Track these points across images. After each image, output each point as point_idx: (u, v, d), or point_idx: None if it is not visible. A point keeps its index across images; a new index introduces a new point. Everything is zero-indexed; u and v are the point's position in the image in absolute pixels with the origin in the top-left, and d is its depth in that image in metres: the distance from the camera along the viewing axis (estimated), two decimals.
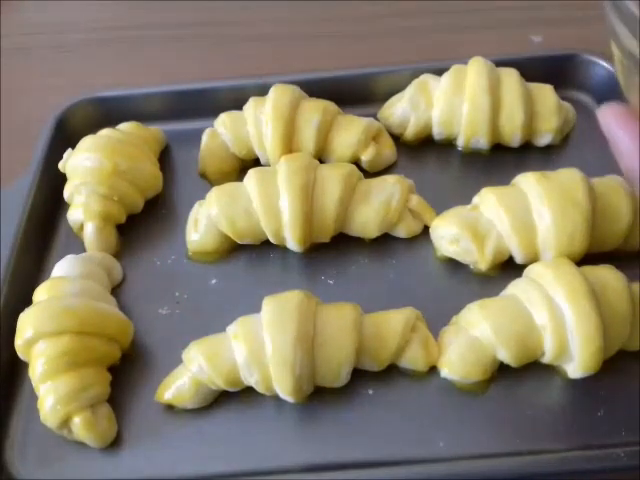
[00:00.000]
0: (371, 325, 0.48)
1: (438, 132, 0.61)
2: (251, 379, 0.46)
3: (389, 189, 0.55)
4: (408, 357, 0.48)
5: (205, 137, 0.62)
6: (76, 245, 0.57)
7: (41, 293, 0.50)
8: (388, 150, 0.61)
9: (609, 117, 0.34)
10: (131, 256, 0.57)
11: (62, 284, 0.50)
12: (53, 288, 0.50)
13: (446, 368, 0.48)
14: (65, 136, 0.63)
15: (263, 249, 0.56)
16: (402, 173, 0.58)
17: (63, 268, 0.52)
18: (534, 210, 0.51)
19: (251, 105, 0.60)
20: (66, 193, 0.58)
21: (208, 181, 0.61)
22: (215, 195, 0.55)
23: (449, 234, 0.53)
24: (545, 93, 0.60)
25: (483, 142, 0.60)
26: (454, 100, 0.59)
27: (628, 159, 0.34)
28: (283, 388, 0.46)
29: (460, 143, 0.61)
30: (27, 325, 0.47)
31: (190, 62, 0.76)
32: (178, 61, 0.76)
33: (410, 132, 0.62)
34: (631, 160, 0.34)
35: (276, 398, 0.47)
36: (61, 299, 0.48)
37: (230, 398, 0.48)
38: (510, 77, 0.59)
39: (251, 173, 0.55)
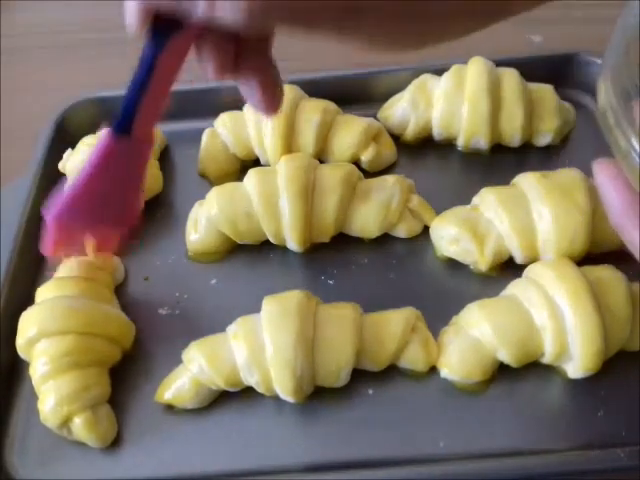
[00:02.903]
0: (371, 325, 0.48)
1: (438, 132, 0.61)
2: (251, 379, 0.46)
3: (389, 189, 0.55)
4: (408, 357, 0.48)
5: (205, 137, 0.62)
6: None
7: (44, 293, 0.50)
8: (388, 150, 0.61)
9: (601, 174, 0.35)
10: (131, 256, 0.57)
11: (65, 284, 0.50)
12: (56, 288, 0.50)
13: (446, 368, 0.48)
14: (65, 136, 0.63)
15: (263, 249, 0.56)
16: (402, 173, 0.58)
17: (66, 268, 0.52)
18: (534, 210, 0.51)
19: None
20: None
21: (208, 181, 0.61)
22: (215, 195, 0.55)
23: (449, 234, 0.53)
24: (545, 93, 0.60)
25: (483, 142, 0.59)
26: (454, 100, 0.59)
27: (615, 217, 0.35)
28: (283, 389, 0.46)
29: (460, 143, 0.61)
30: (30, 323, 0.47)
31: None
32: None
33: (410, 132, 0.61)
34: (618, 217, 0.35)
35: (276, 398, 0.47)
36: (65, 299, 0.48)
37: (230, 398, 0.48)
38: (510, 77, 0.59)
39: (251, 173, 0.55)
